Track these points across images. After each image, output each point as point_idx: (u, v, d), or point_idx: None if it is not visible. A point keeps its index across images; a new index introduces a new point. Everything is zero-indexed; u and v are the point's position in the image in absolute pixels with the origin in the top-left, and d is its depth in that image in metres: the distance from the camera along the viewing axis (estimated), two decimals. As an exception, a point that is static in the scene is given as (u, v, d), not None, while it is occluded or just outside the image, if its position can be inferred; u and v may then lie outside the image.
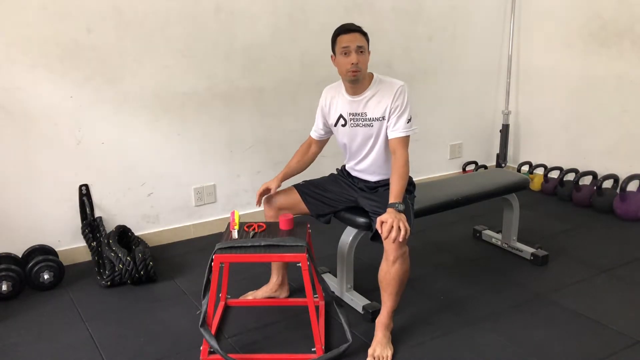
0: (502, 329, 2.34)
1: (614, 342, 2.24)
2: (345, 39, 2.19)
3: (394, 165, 2.23)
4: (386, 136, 2.29)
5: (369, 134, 2.32)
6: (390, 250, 2.10)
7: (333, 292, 2.29)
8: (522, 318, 2.43)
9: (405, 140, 2.26)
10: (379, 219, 2.08)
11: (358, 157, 2.41)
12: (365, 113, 2.29)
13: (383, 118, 2.27)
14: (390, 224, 2.03)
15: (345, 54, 2.19)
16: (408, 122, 2.25)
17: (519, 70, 4.38)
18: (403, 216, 2.08)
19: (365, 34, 2.24)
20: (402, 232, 2.04)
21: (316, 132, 2.52)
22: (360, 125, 2.32)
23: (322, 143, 2.57)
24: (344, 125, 2.36)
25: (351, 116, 2.33)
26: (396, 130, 2.25)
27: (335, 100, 2.38)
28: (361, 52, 2.18)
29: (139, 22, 2.97)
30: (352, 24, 2.24)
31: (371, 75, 2.31)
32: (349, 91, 2.32)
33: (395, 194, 2.15)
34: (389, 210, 2.09)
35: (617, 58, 3.71)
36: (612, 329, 2.32)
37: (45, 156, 2.88)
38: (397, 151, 2.24)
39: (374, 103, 2.27)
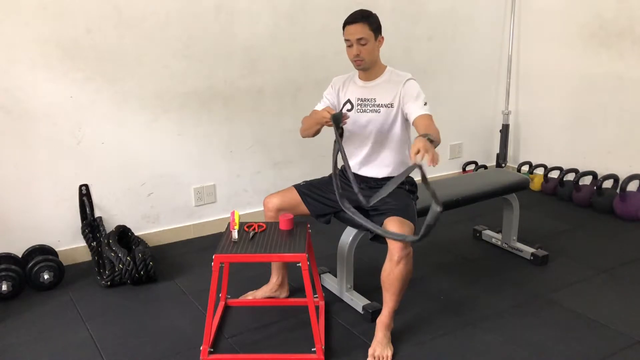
0: (502, 329, 2.34)
1: (614, 342, 2.24)
2: (347, 32, 2.29)
3: None
4: (391, 126, 2.35)
5: (376, 120, 2.35)
6: (394, 250, 2.10)
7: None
8: (522, 318, 2.43)
9: (429, 116, 2.24)
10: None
11: (362, 147, 2.41)
12: (374, 98, 2.36)
13: (392, 105, 2.32)
14: (418, 147, 1.84)
15: (348, 46, 2.30)
16: (425, 105, 2.28)
17: (519, 70, 4.38)
18: (432, 146, 1.89)
19: (370, 23, 2.25)
20: (431, 156, 1.82)
21: (322, 104, 2.49)
22: (368, 110, 2.36)
23: None
24: (349, 110, 2.40)
25: (359, 101, 2.39)
26: (416, 110, 2.26)
27: (346, 85, 2.45)
28: (362, 44, 2.25)
29: (139, 22, 2.97)
30: (357, 13, 2.28)
31: (385, 67, 2.39)
32: (361, 77, 2.40)
33: (426, 131, 2.07)
34: (418, 138, 1.93)
35: (617, 58, 3.71)
36: (612, 329, 2.32)
37: (45, 156, 2.88)
38: (428, 124, 2.21)
39: (384, 90, 2.34)
